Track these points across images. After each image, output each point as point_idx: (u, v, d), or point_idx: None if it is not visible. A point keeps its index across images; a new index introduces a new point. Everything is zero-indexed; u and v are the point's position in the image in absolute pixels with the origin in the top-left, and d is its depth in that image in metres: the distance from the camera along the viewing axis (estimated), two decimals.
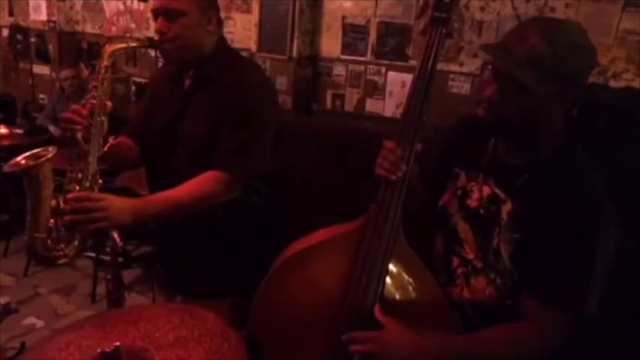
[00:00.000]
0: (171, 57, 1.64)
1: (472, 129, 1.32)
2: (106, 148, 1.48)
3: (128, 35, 4.45)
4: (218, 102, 1.56)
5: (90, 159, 1.43)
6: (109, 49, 1.50)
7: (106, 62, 1.48)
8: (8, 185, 4.02)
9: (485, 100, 1.14)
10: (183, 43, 1.55)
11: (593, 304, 1.12)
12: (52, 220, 1.40)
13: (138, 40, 1.63)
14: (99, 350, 0.95)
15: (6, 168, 1.39)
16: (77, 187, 1.42)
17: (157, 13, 1.55)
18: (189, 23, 1.53)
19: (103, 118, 1.46)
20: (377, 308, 1.18)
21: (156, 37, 1.55)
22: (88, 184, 1.43)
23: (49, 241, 1.40)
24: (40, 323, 3.04)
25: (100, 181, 1.46)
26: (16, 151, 4.50)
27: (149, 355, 0.96)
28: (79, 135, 1.43)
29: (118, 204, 1.39)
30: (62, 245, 1.42)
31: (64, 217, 1.38)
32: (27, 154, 1.43)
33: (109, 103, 1.48)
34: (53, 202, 1.40)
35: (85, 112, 1.45)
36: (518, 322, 1.16)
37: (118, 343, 0.95)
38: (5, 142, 4.02)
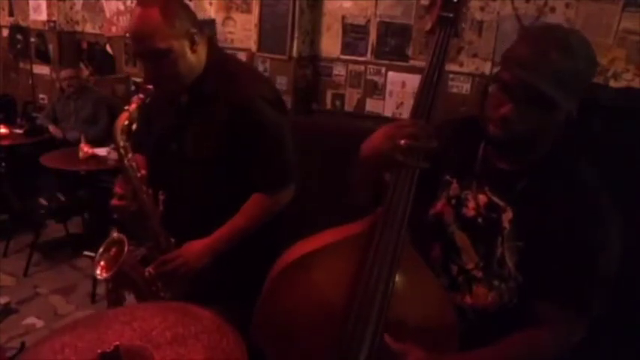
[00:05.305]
0: (169, 93, 1.60)
1: (459, 133, 1.30)
2: (161, 208, 1.58)
3: (128, 35, 4.45)
4: (224, 123, 1.54)
5: (156, 229, 1.57)
6: (117, 128, 1.48)
7: (122, 143, 1.49)
8: (8, 185, 4.02)
9: (500, 119, 1.11)
10: (176, 77, 1.50)
11: (601, 303, 1.12)
12: (153, 288, 1.58)
13: (136, 100, 1.52)
14: (99, 351, 0.94)
15: (98, 276, 1.56)
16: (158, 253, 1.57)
17: (139, 56, 1.52)
18: (175, 58, 1.47)
19: (145, 188, 1.54)
20: (387, 337, 1.13)
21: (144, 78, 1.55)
22: (165, 247, 1.58)
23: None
24: (40, 323, 3.03)
25: (173, 240, 1.59)
26: (17, 151, 4.48)
27: (148, 354, 0.95)
28: (133, 210, 1.54)
29: (193, 252, 1.54)
30: (162, 294, 1.59)
31: (156, 282, 1.57)
32: (99, 253, 1.57)
33: (143, 172, 1.55)
34: (146, 274, 1.55)
35: (127, 193, 1.54)
36: (532, 327, 1.15)
37: (117, 343, 0.95)
38: (5, 142, 4.02)
